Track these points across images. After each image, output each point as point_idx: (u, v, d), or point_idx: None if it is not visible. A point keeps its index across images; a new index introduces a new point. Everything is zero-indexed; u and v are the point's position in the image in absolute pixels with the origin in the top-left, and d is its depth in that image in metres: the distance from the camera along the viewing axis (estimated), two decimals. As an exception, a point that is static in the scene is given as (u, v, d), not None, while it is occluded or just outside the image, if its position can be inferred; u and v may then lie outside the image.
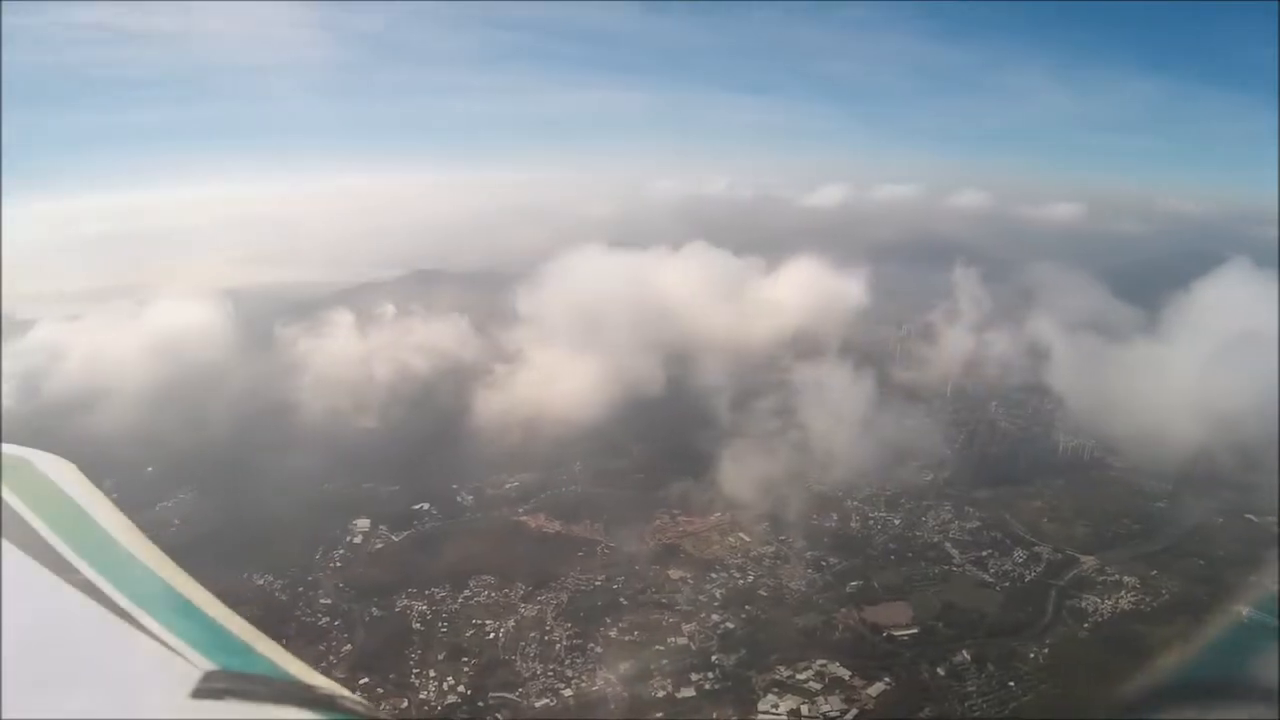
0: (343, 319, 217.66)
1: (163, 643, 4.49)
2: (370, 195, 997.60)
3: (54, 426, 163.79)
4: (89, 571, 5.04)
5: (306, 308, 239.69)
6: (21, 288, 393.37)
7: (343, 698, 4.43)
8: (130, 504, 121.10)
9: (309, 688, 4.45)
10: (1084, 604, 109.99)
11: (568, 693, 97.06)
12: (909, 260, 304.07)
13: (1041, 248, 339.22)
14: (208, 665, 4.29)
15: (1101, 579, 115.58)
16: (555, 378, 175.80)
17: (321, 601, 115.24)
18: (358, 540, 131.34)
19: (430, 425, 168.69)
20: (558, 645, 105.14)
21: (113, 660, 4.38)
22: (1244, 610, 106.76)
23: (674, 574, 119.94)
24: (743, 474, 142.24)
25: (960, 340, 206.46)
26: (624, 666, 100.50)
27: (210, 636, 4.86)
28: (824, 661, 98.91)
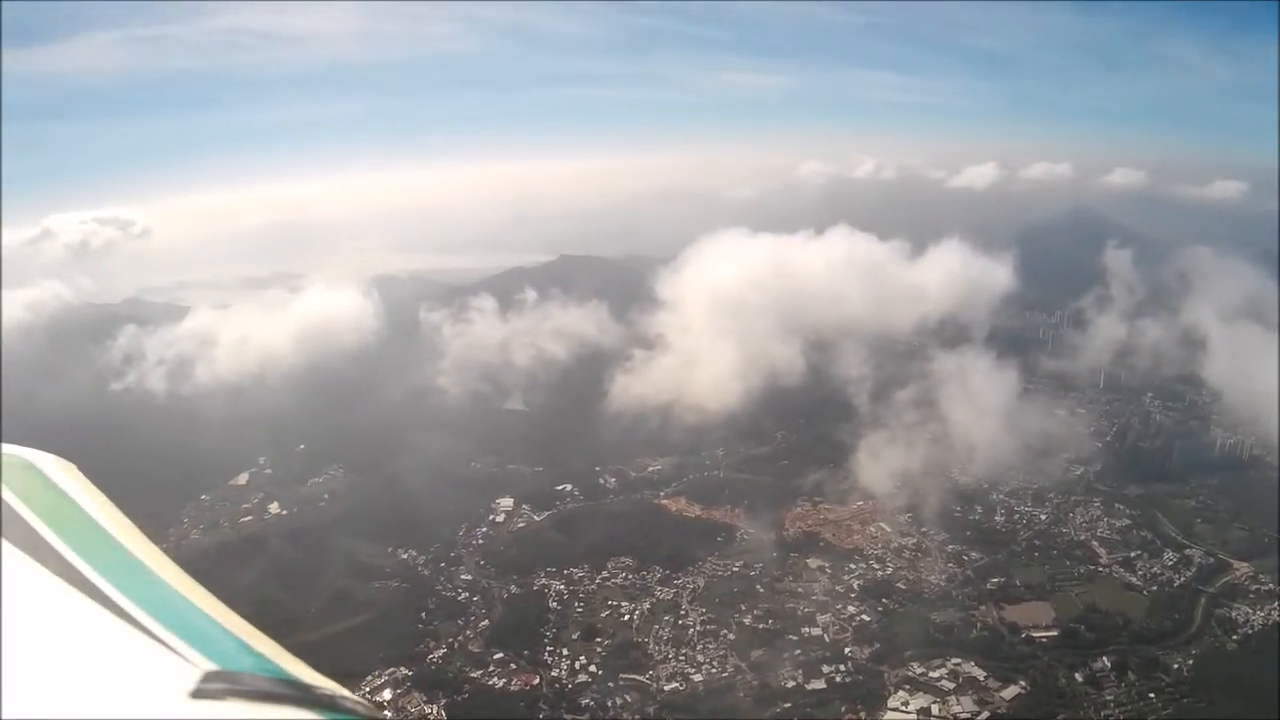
0: (488, 304, 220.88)
1: (163, 643, 4.59)
2: (518, 183, 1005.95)
3: (208, 408, 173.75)
4: (88, 572, 5.08)
5: (454, 293, 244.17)
6: (180, 277, 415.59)
7: (343, 698, 4.51)
8: (282, 480, 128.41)
9: (309, 688, 4.53)
10: (1234, 613, 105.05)
11: (698, 678, 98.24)
12: (1062, 242, 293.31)
13: (1201, 228, 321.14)
14: (208, 665, 4.38)
15: (1255, 588, 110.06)
16: (698, 363, 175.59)
17: (462, 577, 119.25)
18: (500, 519, 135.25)
19: (574, 408, 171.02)
20: (691, 630, 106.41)
21: (112, 661, 4.45)
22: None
23: (812, 563, 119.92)
24: (885, 464, 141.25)
25: (1114, 327, 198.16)
26: (755, 654, 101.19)
27: (210, 637, 4.90)
28: (958, 660, 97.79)
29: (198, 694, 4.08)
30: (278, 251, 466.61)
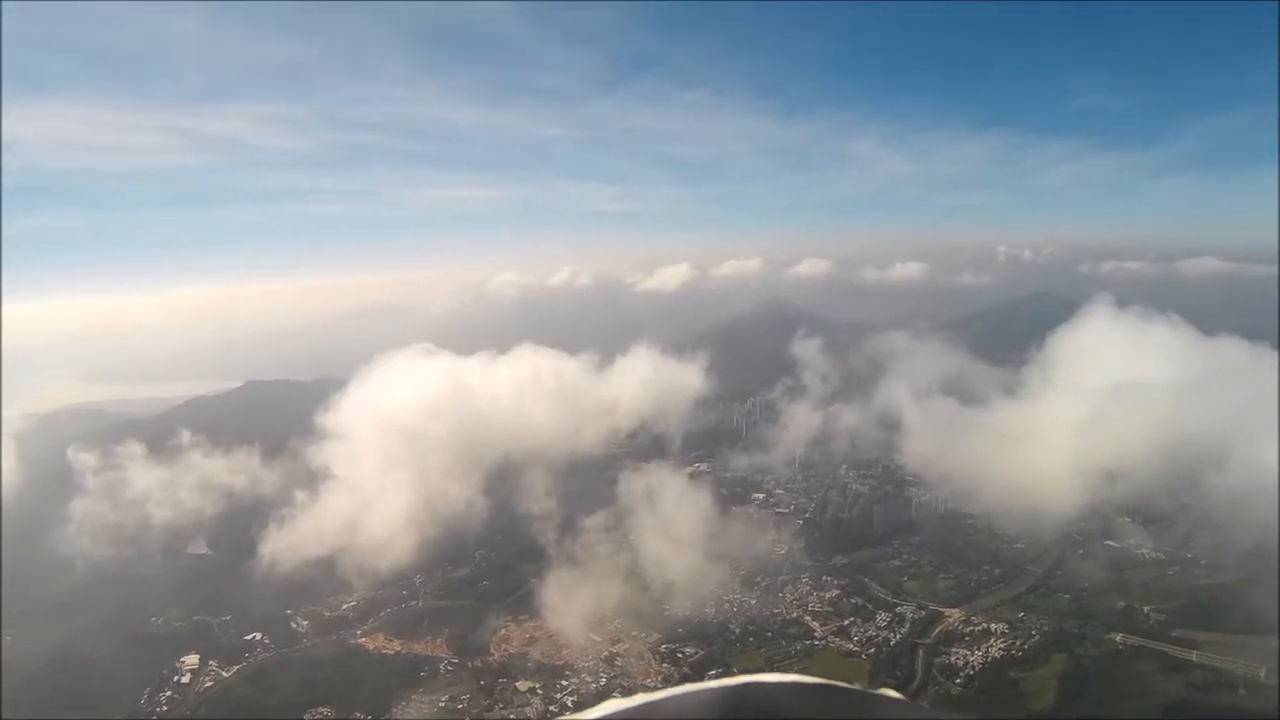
0: (169, 441, 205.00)
1: None
2: (218, 305, 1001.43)
3: None
4: None
5: (129, 428, 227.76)
6: None
7: None
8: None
9: None
10: (953, 659, 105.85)
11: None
12: (754, 335, 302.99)
13: (887, 307, 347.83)
14: None
15: (969, 630, 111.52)
16: (386, 490, 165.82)
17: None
18: (186, 679, 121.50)
19: (260, 549, 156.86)
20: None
21: None
22: (1118, 637, 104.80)
23: (522, 685, 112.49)
24: (590, 570, 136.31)
25: (806, 413, 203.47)
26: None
27: None
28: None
29: None
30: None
